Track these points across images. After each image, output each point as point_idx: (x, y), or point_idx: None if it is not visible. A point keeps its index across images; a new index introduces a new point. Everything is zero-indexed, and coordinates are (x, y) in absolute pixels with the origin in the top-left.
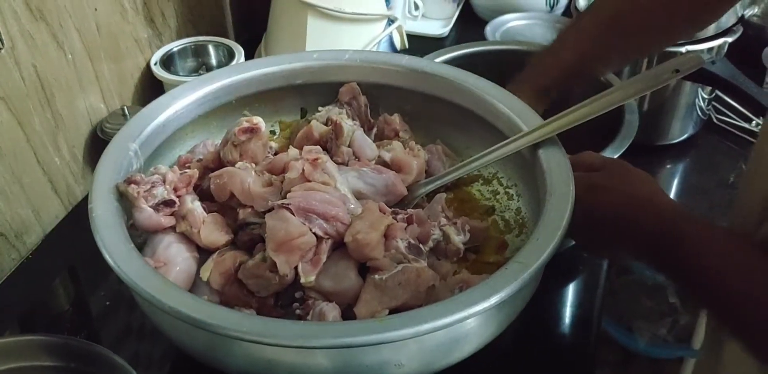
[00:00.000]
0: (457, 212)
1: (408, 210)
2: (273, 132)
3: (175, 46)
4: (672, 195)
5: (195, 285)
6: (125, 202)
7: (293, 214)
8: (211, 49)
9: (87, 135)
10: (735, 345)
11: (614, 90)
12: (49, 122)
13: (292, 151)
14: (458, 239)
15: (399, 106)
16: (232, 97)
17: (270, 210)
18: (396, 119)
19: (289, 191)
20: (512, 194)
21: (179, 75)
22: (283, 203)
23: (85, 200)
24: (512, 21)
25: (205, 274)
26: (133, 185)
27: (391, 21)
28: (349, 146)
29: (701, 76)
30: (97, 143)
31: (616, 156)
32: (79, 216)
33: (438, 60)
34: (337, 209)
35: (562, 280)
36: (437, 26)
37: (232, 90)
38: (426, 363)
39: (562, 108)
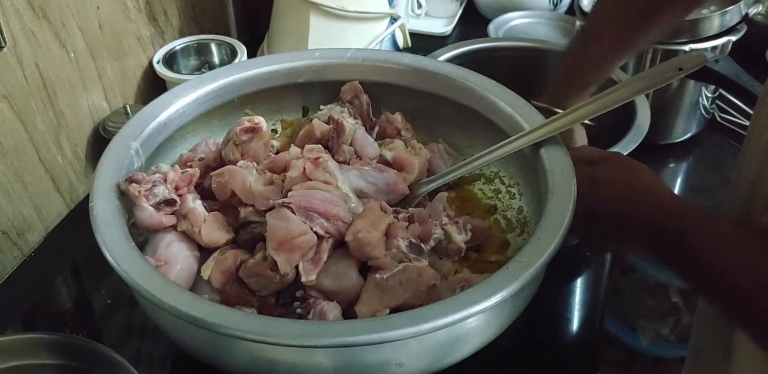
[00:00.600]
0: (458, 211)
1: (409, 209)
2: (275, 131)
3: (178, 44)
4: None
5: (196, 284)
6: (126, 201)
7: (294, 213)
8: (213, 47)
9: (89, 133)
10: (747, 345)
11: (617, 88)
12: (51, 121)
13: (294, 150)
14: (460, 238)
15: (401, 104)
16: (233, 95)
17: (271, 209)
18: (398, 117)
19: (290, 190)
20: (514, 193)
21: (182, 73)
22: (284, 202)
23: (88, 199)
24: (515, 19)
25: (206, 273)
26: (134, 184)
27: (393, 19)
28: (350, 145)
29: (705, 74)
30: (99, 142)
31: None
32: (81, 215)
33: (442, 58)
34: (338, 208)
35: (564, 279)
36: (440, 24)
37: (234, 88)
38: (427, 362)
39: None
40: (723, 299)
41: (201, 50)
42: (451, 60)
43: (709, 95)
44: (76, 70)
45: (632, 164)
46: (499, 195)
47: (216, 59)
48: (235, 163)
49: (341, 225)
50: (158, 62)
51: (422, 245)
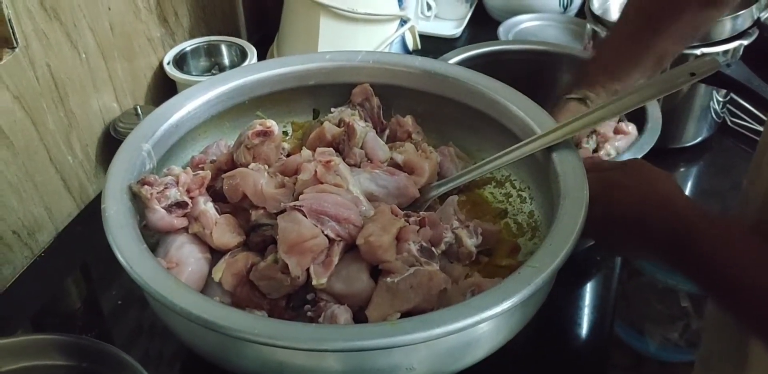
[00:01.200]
0: (469, 214)
1: (420, 213)
2: (285, 133)
3: (188, 45)
4: None
5: (207, 286)
6: (138, 202)
7: (305, 216)
8: (223, 48)
9: (100, 134)
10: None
11: (629, 93)
12: (62, 121)
13: (305, 153)
14: (470, 242)
15: (411, 107)
16: (245, 97)
17: (282, 212)
18: (409, 120)
19: (302, 193)
20: (525, 197)
21: (192, 75)
22: (295, 205)
23: (98, 199)
24: (525, 22)
25: (217, 275)
26: (146, 186)
27: (403, 21)
28: (361, 148)
29: (716, 79)
30: (109, 142)
31: None
32: (91, 215)
33: (451, 61)
34: (350, 211)
35: (573, 283)
36: (450, 27)
37: (245, 91)
38: (437, 367)
39: None
40: (736, 304)
41: (211, 51)
42: (460, 62)
43: (720, 99)
44: (87, 70)
45: (650, 171)
46: (510, 199)
47: (226, 61)
48: (246, 166)
49: (352, 229)
50: (168, 63)
51: (433, 249)
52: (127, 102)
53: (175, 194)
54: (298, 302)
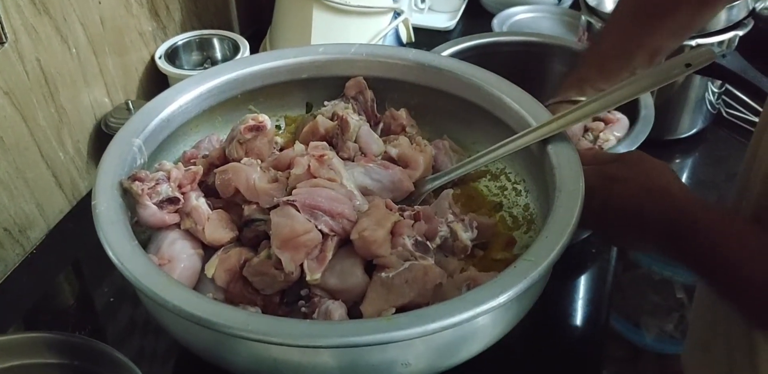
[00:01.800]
0: (464, 208)
1: (415, 207)
2: (278, 127)
3: (180, 39)
4: None
5: (200, 283)
6: (129, 198)
7: (299, 211)
8: (216, 42)
9: (91, 129)
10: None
11: (625, 85)
12: (53, 117)
13: (298, 147)
14: (466, 235)
15: (405, 100)
16: (237, 91)
17: (275, 207)
18: (403, 113)
19: (295, 188)
20: (520, 190)
21: (184, 69)
22: (288, 200)
23: (90, 195)
24: (519, 14)
25: (209, 271)
26: (137, 182)
27: (397, 14)
28: (355, 142)
29: (711, 69)
30: (101, 138)
31: None
32: (83, 211)
33: (445, 53)
34: (343, 205)
35: (569, 276)
36: (444, 19)
37: (238, 84)
38: (433, 362)
39: None
40: (737, 294)
41: (203, 45)
42: (454, 55)
43: (715, 90)
44: (78, 65)
45: (648, 162)
46: (505, 192)
47: (218, 54)
48: (239, 160)
49: (346, 223)
50: (160, 58)
51: (428, 243)
52: (118, 97)
53: (166, 189)
54: (292, 298)
